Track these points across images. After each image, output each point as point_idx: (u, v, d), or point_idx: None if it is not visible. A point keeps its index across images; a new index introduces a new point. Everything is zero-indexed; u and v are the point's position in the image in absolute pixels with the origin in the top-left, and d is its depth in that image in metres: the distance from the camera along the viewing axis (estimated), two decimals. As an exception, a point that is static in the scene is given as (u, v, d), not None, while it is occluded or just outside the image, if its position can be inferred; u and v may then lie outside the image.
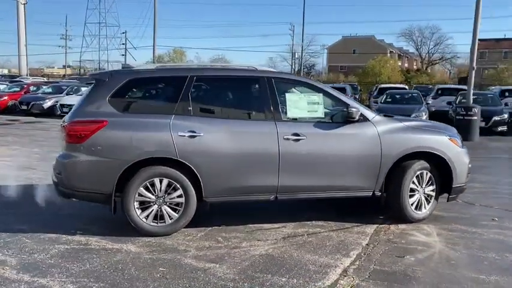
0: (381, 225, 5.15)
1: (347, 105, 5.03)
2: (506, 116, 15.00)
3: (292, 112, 4.98)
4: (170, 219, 4.68)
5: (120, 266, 3.93)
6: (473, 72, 12.91)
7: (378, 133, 5.02)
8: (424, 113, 14.73)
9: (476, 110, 12.97)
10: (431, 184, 5.29)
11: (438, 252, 4.38)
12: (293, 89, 5.15)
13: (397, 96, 16.81)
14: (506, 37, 70.53)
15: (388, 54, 69.83)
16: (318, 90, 5.15)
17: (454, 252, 4.37)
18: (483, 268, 3.99)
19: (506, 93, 19.11)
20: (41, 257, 4.11)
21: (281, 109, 4.94)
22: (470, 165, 5.44)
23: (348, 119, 4.96)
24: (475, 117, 12.88)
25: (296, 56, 71.37)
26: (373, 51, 66.10)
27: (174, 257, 4.13)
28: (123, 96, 4.75)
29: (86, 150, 4.52)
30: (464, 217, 5.55)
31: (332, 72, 63.78)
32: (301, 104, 5.06)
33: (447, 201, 5.47)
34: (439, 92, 19.90)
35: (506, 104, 16.70)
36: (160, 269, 3.88)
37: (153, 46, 47.48)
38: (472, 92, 13.17)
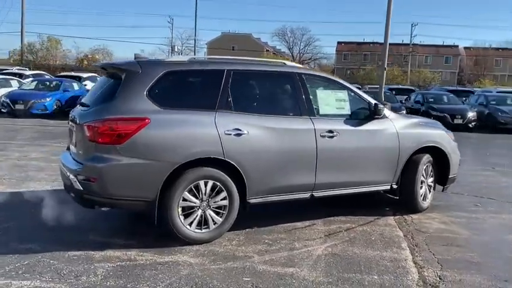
0: (396, 217, 5.42)
1: (369, 103, 5.18)
2: (404, 111, 16.78)
3: (323, 109, 4.97)
4: (214, 224, 4.33)
5: (197, 280, 3.53)
6: (384, 72, 14.23)
7: (396, 129, 5.27)
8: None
9: (388, 107, 14.26)
10: (432, 176, 5.73)
11: (470, 239, 4.78)
12: (322, 86, 5.12)
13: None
14: (365, 41, 78.57)
15: (265, 53, 72.68)
16: (343, 87, 5.22)
17: (483, 238, 4.82)
18: (521, 249, 4.49)
19: (394, 92, 21.33)
20: (94, 279, 3.49)
21: (314, 106, 4.89)
22: (460, 158, 6.02)
23: (374, 116, 5.11)
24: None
25: (176, 50, 70.34)
26: (251, 49, 68.24)
27: (244, 265, 3.85)
28: (162, 91, 4.23)
29: (127, 152, 3.95)
30: (454, 205, 6.12)
31: (212, 68, 63.95)
32: (330, 101, 5.08)
33: (442, 190, 5.99)
34: None
35: (401, 101, 18.70)
36: (244, 278, 3.58)
37: (21, 32, 42.67)
38: (383, 90, 14.48)
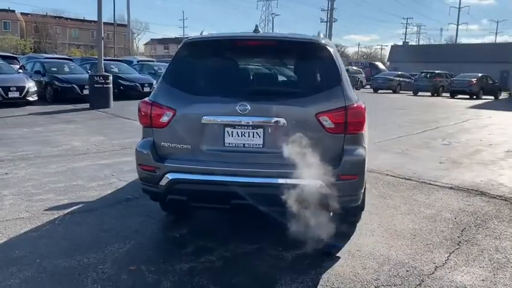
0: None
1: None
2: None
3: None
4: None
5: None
6: (102, 42, 13.28)
7: None
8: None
9: (111, 78, 13.46)
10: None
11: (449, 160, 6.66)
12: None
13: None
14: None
15: None
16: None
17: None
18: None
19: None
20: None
21: None
22: None
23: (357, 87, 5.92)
24: (111, 85, 13.28)
25: None
26: None
27: (434, 224, 4.22)
28: None
29: (363, 139, 3.53)
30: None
31: None
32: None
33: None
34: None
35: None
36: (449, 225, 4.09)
37: None
38: (102, 62, 13.47)
